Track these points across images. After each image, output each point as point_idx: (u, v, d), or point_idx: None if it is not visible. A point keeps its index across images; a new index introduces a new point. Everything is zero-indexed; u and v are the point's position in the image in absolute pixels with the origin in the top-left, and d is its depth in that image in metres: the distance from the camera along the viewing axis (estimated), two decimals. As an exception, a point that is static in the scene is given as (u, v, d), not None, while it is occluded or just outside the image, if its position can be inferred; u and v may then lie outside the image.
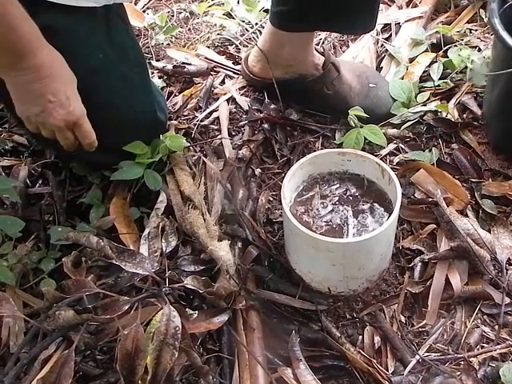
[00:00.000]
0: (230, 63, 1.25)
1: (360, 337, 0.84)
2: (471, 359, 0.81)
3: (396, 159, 1.05)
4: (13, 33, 0.68)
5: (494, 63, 1.01)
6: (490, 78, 1.05)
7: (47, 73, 0.74)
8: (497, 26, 0.90)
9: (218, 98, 1.17)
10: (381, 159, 0.87)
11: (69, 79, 0.78)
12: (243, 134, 1.10)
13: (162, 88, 1.20)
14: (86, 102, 0.81)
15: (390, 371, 0.80)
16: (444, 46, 1.21)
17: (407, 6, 1.37)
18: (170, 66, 1.23)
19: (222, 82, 1.21)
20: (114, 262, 0.76)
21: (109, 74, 0.87)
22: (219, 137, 1.09)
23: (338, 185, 0.89)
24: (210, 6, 1.39)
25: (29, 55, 0.71)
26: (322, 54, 1.10)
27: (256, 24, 1.33)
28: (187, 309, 0.81)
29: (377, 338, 0.84)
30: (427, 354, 0.82)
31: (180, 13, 1.42)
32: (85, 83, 0.80)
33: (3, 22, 0.67)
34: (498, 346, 0.82)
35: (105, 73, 0.87)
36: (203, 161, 1.03)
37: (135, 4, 1.44)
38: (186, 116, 1.14)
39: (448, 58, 1.17)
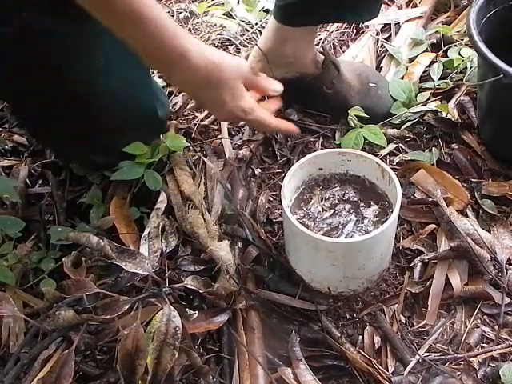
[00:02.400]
0: (229, 63, 1.24)
1: (360, 337, 0.84)
2: (471, 359, 0.80)
3: (396, 159, 1.05)
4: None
5: (479, 68, 1.01)
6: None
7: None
8: (475, 38, 0.90)
9: (217, 98, 1.17)
10: (381, 159, 0.87)
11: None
12: (243, 134, 1.10)
13: (163, 87, 1.19)
14: (86, 103, 0.80)
15: (390, 371, 0.80)
16: (444, 46, 1.21)
17: (407, 6, 1.37)
18: (170, 66, 1.22)
19: (222, 82, 1.21)
20: (114, 261, 0.76)
21: (110, 76, 0.87)
22: (219, 137, 1.09)
23: (338, 186, 0.89)
24: (210, 6, 1.39)
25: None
26: (322, 53, 1.10)
27: (256, 24, 1.34)
28: (187, 309, 0.81)
29: (377, 338, 0.84)
30: (427, 353, 0.82)
31: (180, 13, 1.42)
32: (86, 85, 0.80)
33: None
34: (498, 346, 0.82)
35: (106, 75, 0.87)
36: (203, 161, 1.03)
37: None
38: (185, 116, 1.14)
39: (448, 57, 1.17)
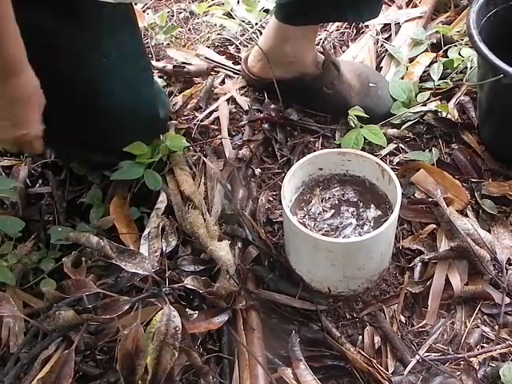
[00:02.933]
0: (230, 63, 1.24)
1: (360, 337, 0.84)
2: (471, 359, 0.80)
3: (396, 159, 1.05)
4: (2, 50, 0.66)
5: (479, 68, 1.01)
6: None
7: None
8: (475, 38, 0.90)
9: (217, 98, 1.17)
10: (381, 159, 0.87)
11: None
12: (243, 134, 1.10)
13: (163, 87, 1.19)
14: (86, 103, 0.80)
15: (390, 371, 0.80)
16: (444, 46, 1.21)
17: (407, 6, 1.37)
18: (170, 66, 1.22)
19: (222, 82, 1.21)
20: (113, 261, 0.76)
21: (110, 76, 0.87)
22: (219, 137, 1.09)
23: (338, 186, 0.89)
24: (210, 6, 1.39)
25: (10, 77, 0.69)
26: (322, 53, 1.10)
27: (256, 24, 1.34)
28: (187, 309, 0.81)
29: (377, 338, 0.84)
30: (427, 353, 0.82)
31: (180, 13, 1.42)
32: (85, 85, 0.80)
33: None
34: (498, 346, 0.82)
35: (106, 75, 0.87)
36: (203, 161, 1.03)
37: (135, 4, 1.44)
38: (186, 116, 1.14)
39: (448, 57, 1.17)
